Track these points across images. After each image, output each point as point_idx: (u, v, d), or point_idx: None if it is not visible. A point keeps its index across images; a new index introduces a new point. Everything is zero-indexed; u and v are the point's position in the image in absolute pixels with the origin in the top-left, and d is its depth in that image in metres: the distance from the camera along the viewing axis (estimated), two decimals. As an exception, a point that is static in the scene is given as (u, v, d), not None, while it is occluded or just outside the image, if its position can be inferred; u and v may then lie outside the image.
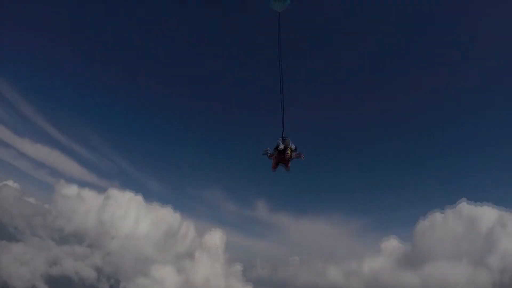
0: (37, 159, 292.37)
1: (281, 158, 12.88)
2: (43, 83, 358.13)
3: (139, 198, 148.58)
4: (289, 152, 12.74)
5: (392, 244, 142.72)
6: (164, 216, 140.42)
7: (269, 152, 13.16)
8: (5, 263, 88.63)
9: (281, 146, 12.97)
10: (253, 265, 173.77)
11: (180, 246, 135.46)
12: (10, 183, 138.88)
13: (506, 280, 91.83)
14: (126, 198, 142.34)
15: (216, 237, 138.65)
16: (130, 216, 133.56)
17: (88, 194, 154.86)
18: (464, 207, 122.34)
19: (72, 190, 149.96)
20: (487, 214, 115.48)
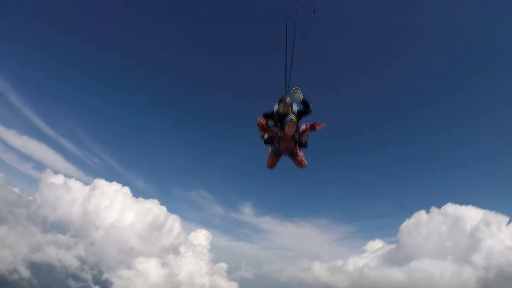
0: (23, 151, 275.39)
1: (284, 141, 7.23)
2: (34, 74, 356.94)
3: (126, 189, 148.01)
4: (293, 118, 6.94)
5: (377, 245, 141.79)
6: (150, 208, 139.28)
7: (267, 127, 7.33)
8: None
9: (276, 108, 7.39)
10: (238, 267, 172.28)
11: (165, 240, 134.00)
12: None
13: (490, 277, 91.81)
14: (112, 189, 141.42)
15: (201, 236, 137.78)
16: (116, 207, 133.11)
17: (74, 184, 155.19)
18: (449, 207, 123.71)
19: (58, 179, 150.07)
20: (471, 214, 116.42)
